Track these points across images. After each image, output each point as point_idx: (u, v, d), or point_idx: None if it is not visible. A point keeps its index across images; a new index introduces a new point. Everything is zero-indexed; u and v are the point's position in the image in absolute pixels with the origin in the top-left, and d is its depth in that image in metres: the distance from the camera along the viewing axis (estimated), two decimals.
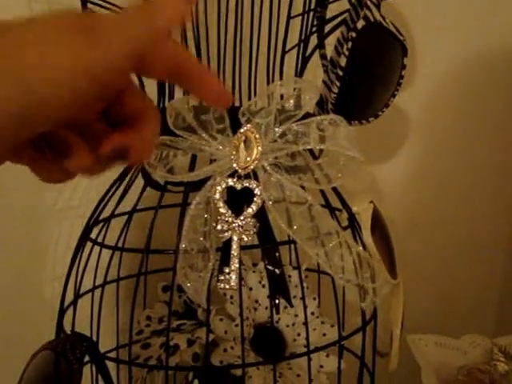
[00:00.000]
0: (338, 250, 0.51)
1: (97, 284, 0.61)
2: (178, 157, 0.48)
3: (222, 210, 0.47)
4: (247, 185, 0.48)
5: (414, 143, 0.92)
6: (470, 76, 0.91)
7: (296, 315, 0.62)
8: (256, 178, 0.49)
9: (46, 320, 0.62)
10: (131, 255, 0.63)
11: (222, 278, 0.46)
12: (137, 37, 0.29)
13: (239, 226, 0.47)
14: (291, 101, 0.50)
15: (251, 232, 0.47)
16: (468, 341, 0.81)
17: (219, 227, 0.47)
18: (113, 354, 0.64)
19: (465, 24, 0.88)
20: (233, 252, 0.47)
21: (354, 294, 0.58)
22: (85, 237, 0.58)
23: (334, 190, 0.60)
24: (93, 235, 0.59)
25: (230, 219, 0.47)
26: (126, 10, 0.30)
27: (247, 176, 0.48)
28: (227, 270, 0.46)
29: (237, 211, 0.48)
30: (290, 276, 0.63)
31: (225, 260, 0.51)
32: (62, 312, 0.59)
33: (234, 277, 0.46)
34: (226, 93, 0.35)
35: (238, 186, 0.48)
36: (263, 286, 0.62)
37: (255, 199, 0.47)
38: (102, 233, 0.59)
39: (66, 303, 0.60)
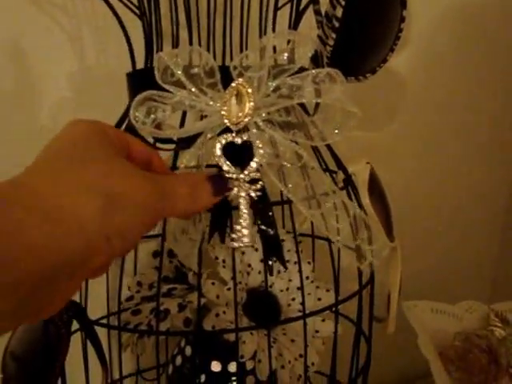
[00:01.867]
0: (334, 210, 0.49)
1: None
2: (166, 112, 0.46)
3: (226, 167, 0.45)
4: (246, 138, 0.45)
5: (407, 107, 0.90)
6: (464, 30, 0.89)
7: (290, 280, 0.60)
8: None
9: None
10: None
11: (235, 236, 0.44)
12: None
13: (245, 181, 0.45)
14: (285, 54, 0.47)
15: (258, 186, 0.45)
16: (464, 307, 0.80)
17: None
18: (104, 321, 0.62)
19: None
20: (242, 209, 0.44)
21: (350, 259, 0.56)
22: None
23: (330, 151, 0.58)
24: None
25: (235, 175, 0.45)
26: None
27: (239, 132, 0.46)
28: (239, 227, 0.44)
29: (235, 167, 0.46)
30: (283, 240, 0.61)
31: (215, 222, 0.49)
32: None
33: (246, 233, 0.44)
34: None
35: (239, 141, 0.45)
36: (256, 250, 0.60)
37: (257, 152, 0.45)
38: None
39: None
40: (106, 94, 0.71)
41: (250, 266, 0.60)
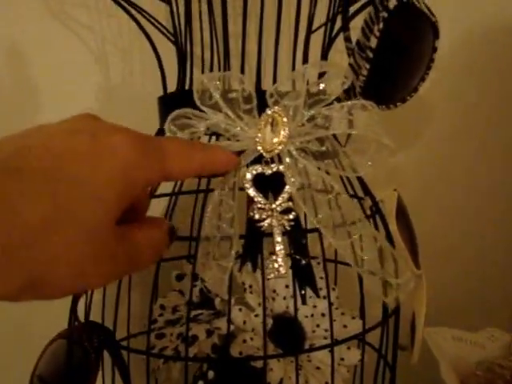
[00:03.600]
0: (361, 241, 0.50)
1: None
2: (201, 129, 0.47)
3: (257, 199, 0.46)
4: (276, 169, 0.47)
5: (429, 130, 0.91)
6: (487, 55, 0.90)
7: (314, 306, 0.61)
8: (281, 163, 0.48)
9: (55, 307, 0.60)
10: None
11: (271, 266, 0.46)
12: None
13: (277, 211, 0.46)
14: (321, 85, 0.49)
15: (291, 217, 0.46)
16: (486, 335, 0.80)
17: (257, 216, 0.46)
18: (123, 344, 0.63)
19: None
20: (277, 240, 0.46)
21: (372, 284, 0.57)
22: None
23: (357, 177, 0.59)
24: None
25: (267, 206, 0.46)
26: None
27: (272, 160, 0.48)
28: (274, 258, 0.46)
29: (266, 197, 0.47)
30: None
31: (248, 250, 0.51)
32: (75, 300, 0.58)
33: (282, 264, 0.46)
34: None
35: (268, 171, 0.47)
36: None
37: (288, 182, 0.46)
38: None
39: None
40: (130, 114, 0.72)
41: (274, 291, 0.61)
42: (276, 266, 0.46)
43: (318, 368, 0.58)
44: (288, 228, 0.47)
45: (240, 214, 0.49)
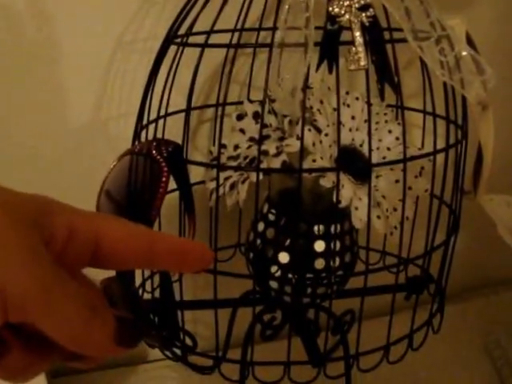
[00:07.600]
0: (439, 45, 0.53)
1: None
2: None
3: None
4: None
5: None
6: None
7: (380, 140, 0.64)
8: None
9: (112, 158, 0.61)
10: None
11: (351, 58, 0.49)
12: None
13: (355, 8, 0.49)
14: None
15: (368, 13, 0.49)
16: None
17: (336, 10, 0.49)
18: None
19: None
20: (355, 34, 0.49)
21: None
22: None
23: None
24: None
25: (347, 2, 0.49)
26: None
27: None
28: (354, 50, 0.48)
29: None
30: (371, 104, 0.64)
31: (324, 54, 0.53)
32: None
33: (362, 56, 0.48)
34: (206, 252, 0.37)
35: None
36: (348, 106, 0.63)
37: None
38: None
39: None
40: None
41: (340, 122, 0.63)
42: (356, 57, 0.49)
43: (383, 197, 0.61)
44: (366, 23, 0.50)
45: None
